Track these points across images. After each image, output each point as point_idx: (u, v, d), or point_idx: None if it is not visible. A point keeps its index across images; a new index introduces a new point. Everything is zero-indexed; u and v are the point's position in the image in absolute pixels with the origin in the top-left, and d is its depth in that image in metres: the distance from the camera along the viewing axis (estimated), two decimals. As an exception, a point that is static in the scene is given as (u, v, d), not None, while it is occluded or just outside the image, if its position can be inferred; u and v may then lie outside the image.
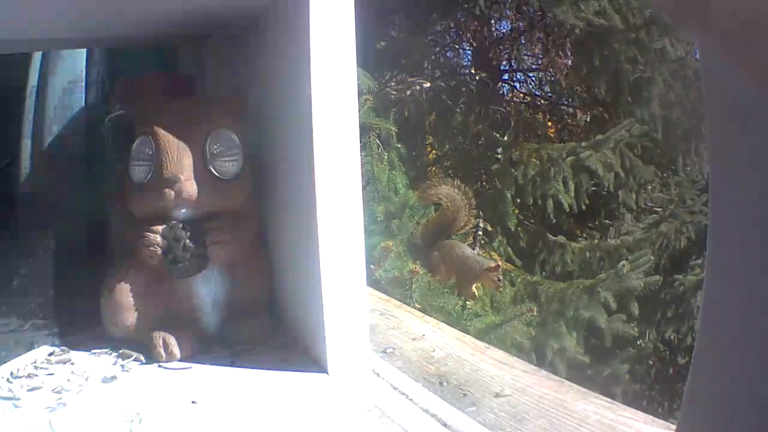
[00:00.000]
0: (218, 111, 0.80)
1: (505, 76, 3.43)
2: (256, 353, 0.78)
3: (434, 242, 2.15)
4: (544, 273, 2.68)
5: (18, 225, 1.00)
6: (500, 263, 2.23)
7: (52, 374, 0.72)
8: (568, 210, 2.68)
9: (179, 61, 1.13)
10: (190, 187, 0.75)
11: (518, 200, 2.75)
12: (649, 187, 2.96)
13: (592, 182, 2.71)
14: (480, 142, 2.90)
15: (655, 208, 2.95)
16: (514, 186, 2.68)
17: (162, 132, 0.76)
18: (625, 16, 2.72)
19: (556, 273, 2.68)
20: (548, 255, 2.70)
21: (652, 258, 2.37)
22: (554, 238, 2.73)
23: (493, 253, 2.59)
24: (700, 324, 0.34)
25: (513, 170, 2.68)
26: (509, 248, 2.69)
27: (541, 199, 2.66)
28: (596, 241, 2.78)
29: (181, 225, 0.77)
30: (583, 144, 2.68)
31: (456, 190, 2.15)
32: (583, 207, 2.75)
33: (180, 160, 0.75)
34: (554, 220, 2.79)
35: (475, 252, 2.29)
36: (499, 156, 2.81)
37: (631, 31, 2.72)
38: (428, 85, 2.84)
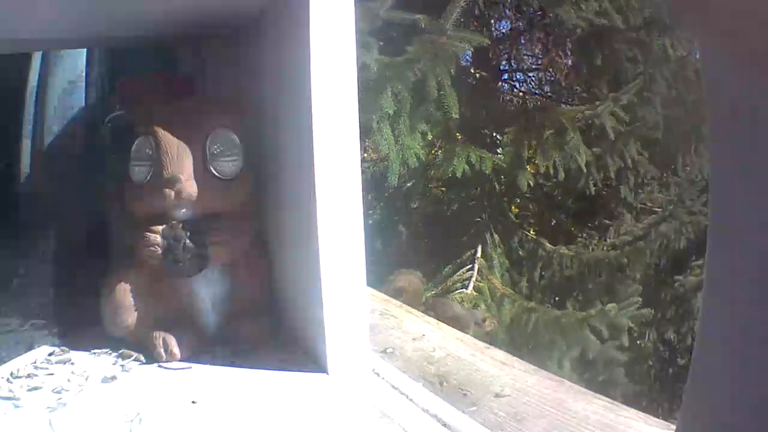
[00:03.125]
0: (218, 111, 0.80)
1: (505, 76, 3.43)
2: (256, 353, 0.78)
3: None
4: (543, 280, 2.68)
5: (18, 225, 1.00)
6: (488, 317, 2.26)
7: (52, 374, 0.72)
8: (584, 171, 2.61)
9: (179, 61, 1.13)
10: (190, 187, 0.75)
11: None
12: (648, 188, 2.95)
13: (597, 151, 2.65)
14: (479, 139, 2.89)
15: (654, 209, 2.95)
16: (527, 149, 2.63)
17: (162, 132, 0.76)
18: (626, 15, 2.72)
19: (554, 281, 2.69)
20: (548, 262, 2.70)
21: (640, 299, 2.38)
22: (553, 247, 2.72)
23: (492, 277, 2.58)
24: (700, 324, 0.34)
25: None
26: (507, 260, 2.68)
27: (553, 169, 2.61)
28: (593, 248, 2.78)
29: (181, 225, 0.77)
30: (597, 102, 2.65)
31: (414, 276, 2.26)
32: (591, 192, 2.72)
33: (180, 160, 0.75)
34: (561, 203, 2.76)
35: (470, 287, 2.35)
36: (500, 155, 2.80)
37: (631, 31, 2.72)
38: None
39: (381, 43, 2.12)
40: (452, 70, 2.04)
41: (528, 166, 2.65)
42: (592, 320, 2.22)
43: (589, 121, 2.58)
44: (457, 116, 2.09)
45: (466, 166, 2.26)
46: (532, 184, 2.65)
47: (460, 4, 2.00)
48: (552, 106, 2.90)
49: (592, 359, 2.25)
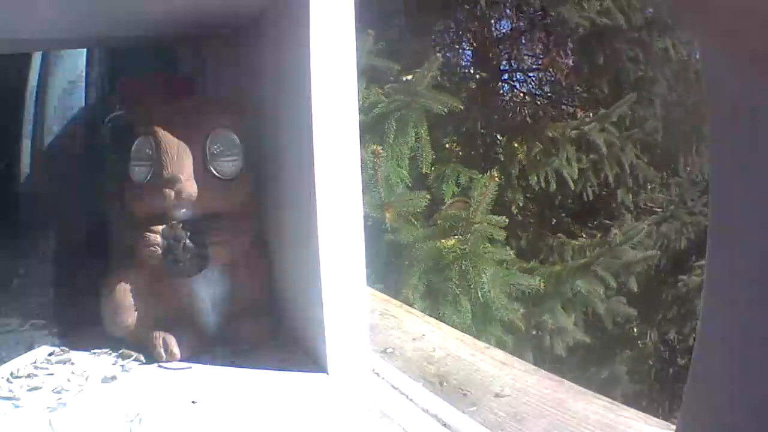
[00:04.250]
0: (218, 111, 0.80)
1: (505, 76, 3.43)
2: (256, 353, 0.78)
3: None
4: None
5: (18, 225, 1.00)
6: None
7: (52, 374, 0.72)
8: (572, 188, 2.61)
9: (179, 61, 1.13)
10: (190, 187, 0.75)
11: (522, 184, 2.70)
12: (649, 187, 2.95)
13: (593, 157, 2.65)
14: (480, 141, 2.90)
15: (655, 209, 2.95)
16: (518, 168, 2.62)
17: (162, 132, 0.76)
18: (627, 15, 2.71)
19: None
20: (548, 254, 2.69)
21: (645, 227, 2.29)
22: (555, 236, 2.71)
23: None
24: (700, 324, 0.34)
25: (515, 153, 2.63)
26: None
27: (545, 182, 2.61)
28: (597, 239, 2.76)
29: (181, 225, 0.77)
30: (587, 119, 2.65)
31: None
32: (588, 197, 2.72)
33: (180, 160, 0.75)
34: (557, 206, 2.75)
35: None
36: (500, 154, 2.80)
37: (633, 31, 2.71)
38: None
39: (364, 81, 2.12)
40: (425, 126, 2.05)
41: (516, 182, 2.65)
42: (598, 263, 2.14)
43: (581, 136, 2.59)
44: (427, 171, 2.09)
45: (455, 188, 2.25)
46: (521, 204, 2.67)
47: (435, 66, 2.00)
48: (543, 120, 2.88)
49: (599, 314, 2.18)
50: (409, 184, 2.02)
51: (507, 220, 1.93)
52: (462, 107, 2.14)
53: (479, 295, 1.78)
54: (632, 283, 2.28)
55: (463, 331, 1.02)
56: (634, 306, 2.32)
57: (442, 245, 1.83)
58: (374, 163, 1.87)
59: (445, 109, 2.02)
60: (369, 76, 2.07)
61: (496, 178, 1.89)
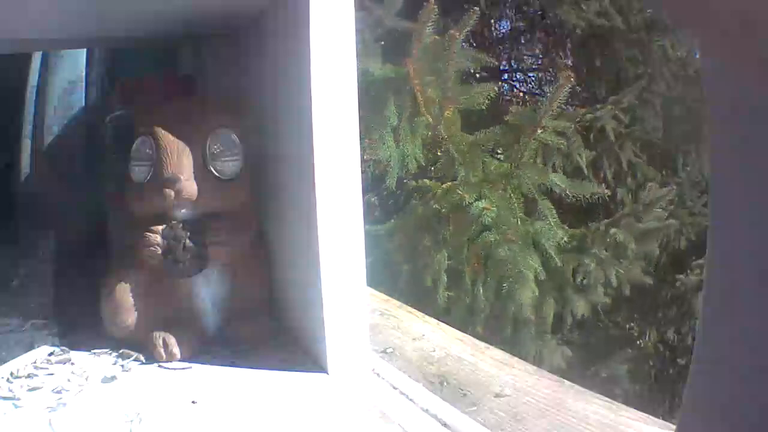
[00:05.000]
0: (218, 111, 0.80)
1: (505, 76, 3.43)
2: (256, 353, 0.78)
3: None
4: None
5: (18, 225, 1.00)
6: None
7: (52, 374, 0.72)
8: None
9: (179, 61, 1.13)
10: (190, 187, 0.75)
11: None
12: (651, 183, 2.94)
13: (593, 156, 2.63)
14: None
15: (655, 209, 2.94)
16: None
17: (162, 132, 0.76)
18: (626, 16, 2.71)
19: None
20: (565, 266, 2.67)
21: (667, 192, 2.25)
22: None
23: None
24: (700, 324, 0.34)
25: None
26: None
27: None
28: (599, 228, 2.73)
29: (181, 225, 0.77)
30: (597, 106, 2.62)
31: None
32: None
33: (180, 160, 0.75)
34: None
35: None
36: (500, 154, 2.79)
37: (632, 32, 2.71)
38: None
39: (383, 44, 2.11)
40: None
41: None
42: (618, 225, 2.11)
43: (587, 125, 2.56)
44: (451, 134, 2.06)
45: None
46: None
47: (470, 23, 1.98)
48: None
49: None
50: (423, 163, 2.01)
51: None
52: (494, 63, 2.12)
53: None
54: (652, 246, 2.24)
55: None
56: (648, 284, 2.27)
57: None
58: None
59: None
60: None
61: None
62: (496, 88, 1.91)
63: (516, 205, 1.83)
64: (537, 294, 1.85)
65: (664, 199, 2.22)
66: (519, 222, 1.82)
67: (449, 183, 1.90)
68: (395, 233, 1.94)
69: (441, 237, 1.87)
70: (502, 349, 0.88)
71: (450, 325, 1.00)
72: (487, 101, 1.90)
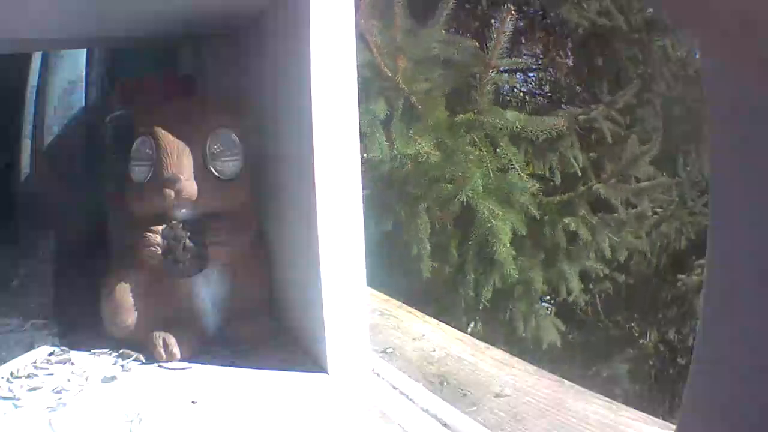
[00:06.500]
0: (218, 111, 0.80)
1: (505, 76, 3.42)
2: (256, 353, 0.78)
3: None
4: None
5: (18, 225, 1.00)
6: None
7: (52, 374, 0.72)
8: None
9: (179, 61, 1.13)
10: (190, 187, 0.75)
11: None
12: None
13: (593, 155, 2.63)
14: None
15: (655, 209, 2.95)
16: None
17: (162, 132, 0.76)
18: (627, 16, 2.71)
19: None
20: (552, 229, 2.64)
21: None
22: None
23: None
24: (701, 324, 0.34)
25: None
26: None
27: (548, 173, 2.57)
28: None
29: (181, 225, 0.77)
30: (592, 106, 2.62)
31: None
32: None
33: (180, 160, 0.75)
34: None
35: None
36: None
37: (633, 32, 2.71)
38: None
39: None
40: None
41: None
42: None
43: (586, 125, 2.56)
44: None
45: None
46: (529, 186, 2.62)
47: (449, 6, 1.97)
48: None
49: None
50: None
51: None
52: (476, 45, 2.12)
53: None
54: (645, 205, 2.20)
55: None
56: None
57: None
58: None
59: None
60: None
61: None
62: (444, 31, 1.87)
63: (488, 158, 1.80)
64: (515, 253, 1.80)
65: (649, 152, 2.17)
66: (492, 175, 1.78)
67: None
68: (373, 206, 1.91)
69: (416, 202, 1.82)
70: (489, 320, 0.88)
71: (437, 301, 0.99)
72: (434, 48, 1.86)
